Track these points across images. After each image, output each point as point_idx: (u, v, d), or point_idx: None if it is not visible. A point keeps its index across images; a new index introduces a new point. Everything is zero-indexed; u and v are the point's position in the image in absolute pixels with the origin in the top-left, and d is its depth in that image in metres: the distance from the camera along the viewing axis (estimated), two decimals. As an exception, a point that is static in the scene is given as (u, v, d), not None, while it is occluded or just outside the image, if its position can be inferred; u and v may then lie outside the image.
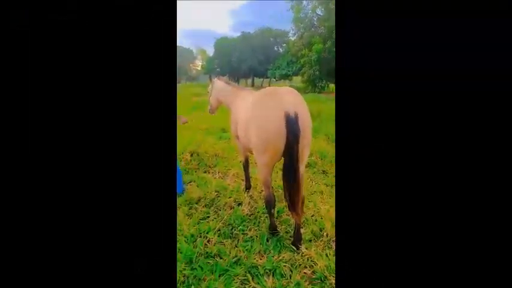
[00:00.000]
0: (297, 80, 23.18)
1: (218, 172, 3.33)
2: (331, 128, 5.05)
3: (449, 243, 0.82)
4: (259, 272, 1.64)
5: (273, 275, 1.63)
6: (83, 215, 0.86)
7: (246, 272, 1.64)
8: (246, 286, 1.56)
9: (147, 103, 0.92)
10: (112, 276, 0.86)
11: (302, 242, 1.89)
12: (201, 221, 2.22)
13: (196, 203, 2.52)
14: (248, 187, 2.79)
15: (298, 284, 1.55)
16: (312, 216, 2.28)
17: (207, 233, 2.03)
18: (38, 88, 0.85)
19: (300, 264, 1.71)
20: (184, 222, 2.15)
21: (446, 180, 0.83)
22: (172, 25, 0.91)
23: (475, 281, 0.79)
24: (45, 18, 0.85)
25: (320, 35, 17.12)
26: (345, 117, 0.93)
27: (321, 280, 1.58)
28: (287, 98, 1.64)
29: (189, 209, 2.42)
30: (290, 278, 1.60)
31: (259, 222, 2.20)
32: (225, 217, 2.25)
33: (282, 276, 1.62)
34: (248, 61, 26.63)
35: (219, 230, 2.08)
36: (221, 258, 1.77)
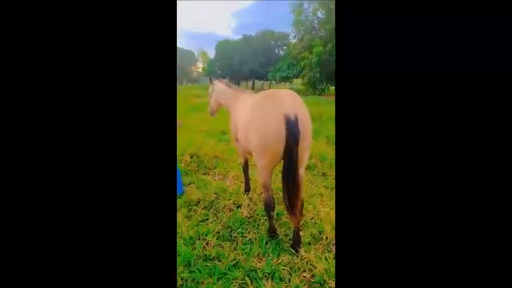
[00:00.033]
0: (298, 82, 23.22)
1: (218, 174, 3.32)
2: (331, 131, 5.04)
3: (449, 243, 0.81)
4: (258, 276, 1.62)
5: (271, 279, 1.61)
6: (83, 216, 0.86)
7: (244, 275, 1.63)
8: (245, 290, 1.54)
9: (147, 104, 0.92)
10: (112, 276, 0.86)
11: (301, 245, 1.88)
12: (200, 223, 2.20)
13: (196, 205, 2.50)
14: (248, 189, 2.78)
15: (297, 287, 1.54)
16: (311, 219, 2.26)
17: (206, 235, 2.01)
18: (38, 88, 0.85)
19: (299, 268, 1.69)
20: (183, 224, 2.14)
21: (446, 180, 0.83)
22: (172, 25, 0.91)
23: (475, 284, 0.78)
24: (45, 18, 0.85)
25: (320, 37, 17.19)
26: (345, 117, 0.92)
27: (320, 284, 1.57)
28: (287, 100, 1.64)
29: (188, 211, 2.40)
30: (289, 281, 1.58)
31: (258, 224, 2.19)
32: (224, 219, 2.24)
33: (281, 280, 1.60)
34: (249, 63, 26.73)
35: (218, 232, 2.06)
36: (220, 261, 1.75)
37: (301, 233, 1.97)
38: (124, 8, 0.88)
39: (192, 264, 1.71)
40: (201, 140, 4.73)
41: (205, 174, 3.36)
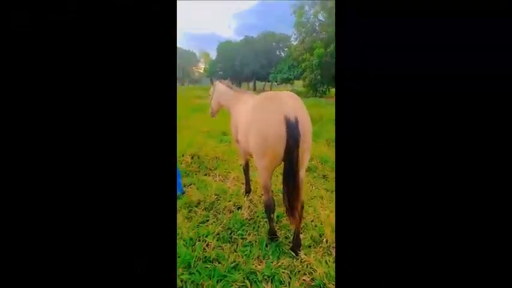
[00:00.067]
0: (299, 84, 23.26)
1: (218, 175, 3.31)
2: (331, 133, 5.03)
3: (450, 244, 0.81)
4: (257, 278, 1.61)
5: (271, 282, 1.60)
6: (83, 216, 0.86)
7: (244, 277, 1.61)
8: (244, 292, 1.53)
9: (147, 104, 0.91)
10: (112, 276, 0.86)
11: (301, 247, 1.87)
12: (200, 225, 2.19)
13: (196, 206, 2.49)
14: (248, 191, 2.77)
15: (297, 291, 1.53)
16: (311, 221, 2.25)
17: (206, 236, 2.00)
18: (38, 89, 0.85)
19: (299, 271, 1.67)
20: (183, 226, 2.13)
21: (446, 180, 0.82)
22: (172, 25, 0.90)
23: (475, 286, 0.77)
24: (45, 18, 0.85)
25: (322, 39, 17.22)
26: (345, 117, 0.92)
27: (320, 287, 1.55)
28: (287, 102, 1.63)
29: (189, 212, 2.40)
30: (289, 284, 1.57)
31: (258, 226, 2.17)
32: (225, 221, 2.22)
33: (281, 283, 1.59)
34: (250, 65, 26.81)
35: (218, 234, 2.05)
36: (220, 263, 1.74)
37: (301, 236, 1.96)
38: (124, 8, 0.87)
39: (192, 266, 1.70)
40: (202, 141, 4.74)
41: (205, 175, 3.35)
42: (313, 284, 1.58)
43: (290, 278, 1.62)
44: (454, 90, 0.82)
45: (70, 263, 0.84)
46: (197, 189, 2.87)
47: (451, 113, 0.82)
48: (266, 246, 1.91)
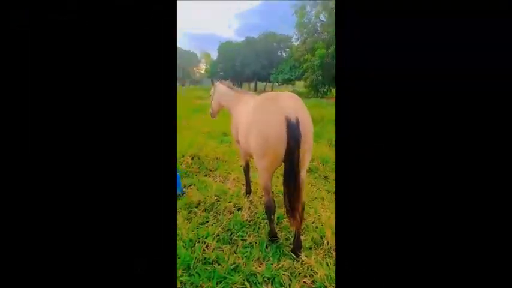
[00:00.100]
0: (300, 84, 23.26)
1: (219, 176, 3.30)
2: (333, 133, 5.02)
3: (450, 245, 0.81)
4: (257, 280, 1.60)
5: (271, 284, 1.58)
6: (83, 217, 0.86)
7: (244, 279, 1.60)
8: (244, 294, 1.52)
9: (147, 104, 0.91)
10: (112, 277, 0.86)
11: (302, 249, 1.85)
12: (200, 226, 2.19)
13: (196, 207, 2.49)
14: (248, 192, 2.76)
15: (297, 293, 1.51)
16: (312, 223, 2.24)
17: (206, 238, 1.99)
18: (38, 89, 0.85)
19: (299, 273, 1.66)
20: (183, 227, 2.12)
21: (447, 180, 0.82)
22: (172, 25, 0.90)
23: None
24: (45, 18, 0.84)
25: (323, 40, 17.22)
26: (345, 117, 0.92)
27: (321, 290, 1.54)
28: (288, 102, 1.63)
29: (189, 213, 2.39)
30: (289, 287, 1.56)
31: (258, 228, 2.16)
32: (225, 222, 2.22)
33: (281, 285, 1.58)
34: (251, 65, 26.83)
35: (218, 235, 2.04)
36: (219, 264, 1.73)
37: (302, 238, 1.94)
38: (124, 8, 0.87)
39: (192, 267, 1.69)
40: (203, 141, 4.73)
41: (206, 175, 3.34)
42: (313, 286, 1.57)
43: (290, 280, 1.60)
44: (454, 90, 0.82)
45: (70, 263, 0.84)
46: (197, 190, 2.86)
47: (451, 113, 0.82)
48: (266, 247, 1.90)
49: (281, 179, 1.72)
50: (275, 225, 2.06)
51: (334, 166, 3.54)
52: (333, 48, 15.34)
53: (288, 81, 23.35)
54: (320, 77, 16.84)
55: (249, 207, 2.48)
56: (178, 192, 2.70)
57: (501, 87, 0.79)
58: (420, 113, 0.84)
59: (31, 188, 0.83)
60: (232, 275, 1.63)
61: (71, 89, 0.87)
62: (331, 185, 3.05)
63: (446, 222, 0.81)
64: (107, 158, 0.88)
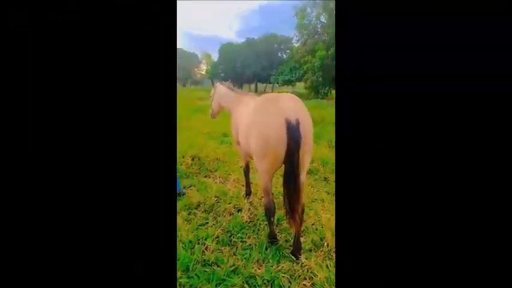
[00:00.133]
0: (300, 86, 23.28)
1: (219, 177, 3.29)
2: (333, 135, 5.01)
3: (451, 245, 0.80)
4: (257, 283, 1.59)
5: (271, 286, 1.57)
6: (83, 217, 0.86)
7: (243, 282, 1.59)
8: (243, 297, 1.51)
9: (147, 105, 0.90)
10: (112, 277, 0.85)
11: (302, 251, 1.84)
12: (200, 227, 2.18)
13: (196, 208, 2.48)
14: (248, 193, 2.76)
15: (297, 296, 1.50)
16: (312, 224, 2.22)
17: (205, 239, 1.98)
18: (38, 89, 0.85)
19: (299, 275, 1.65)
20: (182, 228, 2.11)
21: (447, 180, 0.82)
22: (173, 25, 0.90)
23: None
24: (45, 18, 0.84)
25: (323, 42, 17.25)
26: (345, 117, 0.92)
27: (321, 292, 1.53)
28: (288, 104, 1.62)
29: (188, 214, 2.38)
30: (289, 289, 1.55)
31: (258, 229, 2.15)
32: (224, 224, 2.21)
33: (280, 287, 1.57)
34: (252, 67, 26.88)
35: (218, 237, 2.03)
36: (218, 266, 1.72)
37: (302, 239, 1.94)
38: (124, 8, 0.87)
39: (191, 269, 1.68)
40: (203, 142, 4.73)
41: (206, 176, 3.34)
42: (313, 288, 1.56)
43: (290, 283, 1.59)
44: (454, 90, 0.82)
45: (70, 263, 0.84)
46: (197, 191, 2.86)
47: (451, 113, 0.82)
48: (266, 249, 1.89)
49: (281, 180, 1.71)
50: (275, 227, 2.05)
51: (334, 167, 3.54)
52: (333, 49, 15.37)
53: (289, 82, 23.38)
54: (320, 79, 16.86)
55: (249, 209, 2.47)
56: (177, 190, 2.69)
57: (501, 87, 0.79)
58: (420, 113, 0.84)
59: (31, 188, 0.83)
60: (231, 277, 1.62)
61: (71, 89, 0.86)
62: (331, 187, 3.04)
63: (447, 225, 0.81)
64: (107, 159, 0.88)
